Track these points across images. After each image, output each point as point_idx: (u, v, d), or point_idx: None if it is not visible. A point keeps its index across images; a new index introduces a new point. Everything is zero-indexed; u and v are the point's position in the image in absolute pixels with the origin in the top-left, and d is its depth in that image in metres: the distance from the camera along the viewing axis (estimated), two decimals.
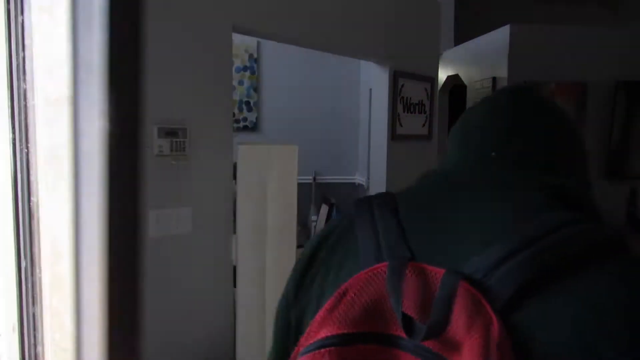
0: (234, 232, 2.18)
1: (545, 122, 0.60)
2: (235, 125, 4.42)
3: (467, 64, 4.83)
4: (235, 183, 2.18)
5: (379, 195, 0.56)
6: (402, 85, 3.09)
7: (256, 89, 4.57)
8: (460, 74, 4.92)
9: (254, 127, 4.58)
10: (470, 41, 4.72)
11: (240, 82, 4.49)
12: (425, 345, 0.38)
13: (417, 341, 0.38)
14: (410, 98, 3.18)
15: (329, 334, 0.41)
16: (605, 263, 0.36)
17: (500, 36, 4.17)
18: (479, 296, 0.36)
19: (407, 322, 0.39)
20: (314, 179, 5.14)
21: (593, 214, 0.50)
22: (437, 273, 0.41)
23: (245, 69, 4.51)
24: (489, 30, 4.38)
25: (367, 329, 0.41)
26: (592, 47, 4.16)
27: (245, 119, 4.54)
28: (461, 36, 5.10)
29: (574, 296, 0.35)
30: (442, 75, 5.08)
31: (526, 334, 0.35)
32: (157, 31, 1.96)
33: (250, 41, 4.50)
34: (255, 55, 4.55)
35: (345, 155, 5.23)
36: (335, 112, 5.06)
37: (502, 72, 4.14)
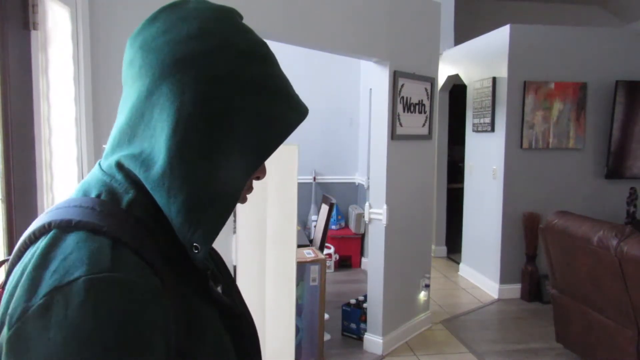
0: (234, 232, 2.18)
1: None
2: None
3: (467, 63, 4.83)
4: None
5: None
6: (402, 85, 3.09)
7: None
8: (460, 74, 4.92)
9: None
10: (470, 41, 4.72)
11: None
12: None
13: None
14: (410, 98, 3.19)
15: None
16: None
17: (500, 36, 4.17)
18: None
19: None
20: (314, 178, 5.15)
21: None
22: None
23: None
24: (489, 30, 4.38)
25: None
26: (592, 47, 4.16)
27: None
28: (461, 36, 5.10)
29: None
30: (442, 75, 5.08)
31: None
32: None
33: None
34: None
35: (345, 155, 5.24)
36: (335, 112, 5.06)
37: (502, 72, 4.14)
